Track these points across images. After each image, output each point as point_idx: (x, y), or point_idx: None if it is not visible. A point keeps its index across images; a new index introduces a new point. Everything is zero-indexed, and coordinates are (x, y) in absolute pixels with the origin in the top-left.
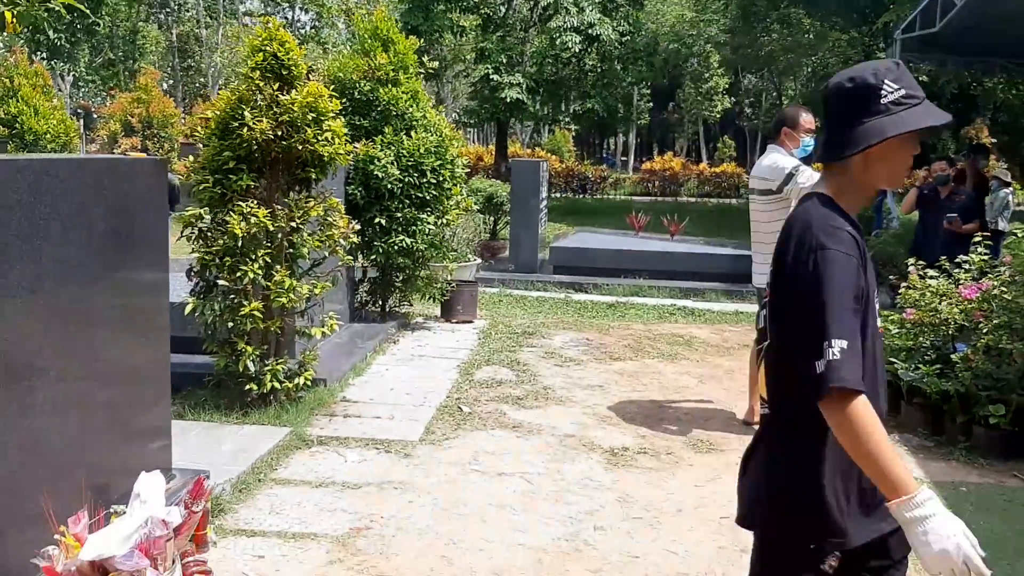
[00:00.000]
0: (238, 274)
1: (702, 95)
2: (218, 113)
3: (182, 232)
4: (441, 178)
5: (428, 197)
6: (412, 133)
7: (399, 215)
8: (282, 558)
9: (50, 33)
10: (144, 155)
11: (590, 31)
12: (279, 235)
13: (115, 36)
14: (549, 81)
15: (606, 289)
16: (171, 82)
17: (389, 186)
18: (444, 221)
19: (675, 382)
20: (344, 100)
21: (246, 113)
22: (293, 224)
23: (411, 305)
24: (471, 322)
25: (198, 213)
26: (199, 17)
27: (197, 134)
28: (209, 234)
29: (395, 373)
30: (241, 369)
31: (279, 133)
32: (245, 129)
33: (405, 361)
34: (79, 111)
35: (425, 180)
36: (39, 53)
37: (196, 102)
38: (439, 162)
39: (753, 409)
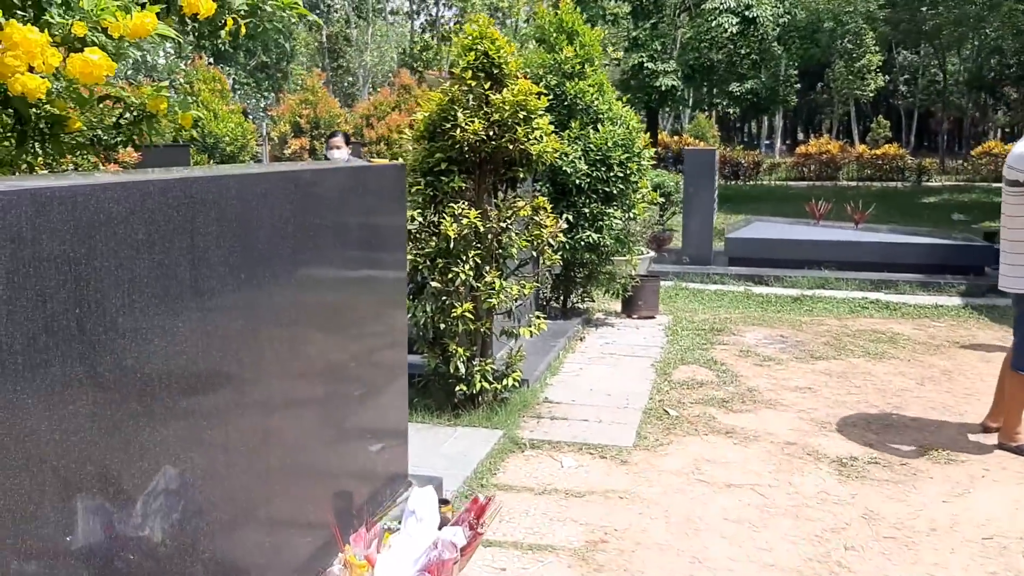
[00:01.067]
0: (450, 275)
1: (853, 74)
2: (429, 115)
3: None
4: (628, 171)
5: (615, 191)
6: (599, 126)
7: (586, 210)
8: (524, 572)
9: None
10: (385, 161)
11: (746, 13)
12: (489, 236)
13: (269, 40)
14: (703, 66)
15: (788, 282)
16: (322, 83)
17: (577, 182)
18: (631, 215)
19: (890, 384)
20: None
21: (459, 114)
22: (503, 224)
23: (592, 301)
24: (653, 318)
25: (409, 216)
26: (348, 17)
27: (401, 136)
28: (420, 236)
29: (590, 373)
30: (451, 370)
31: (490, 133)
32: (458, 130)
33: (596, 360)
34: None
35: (612, 174)
36: (204, 58)
37: (347, 101)
38: (626, 155)
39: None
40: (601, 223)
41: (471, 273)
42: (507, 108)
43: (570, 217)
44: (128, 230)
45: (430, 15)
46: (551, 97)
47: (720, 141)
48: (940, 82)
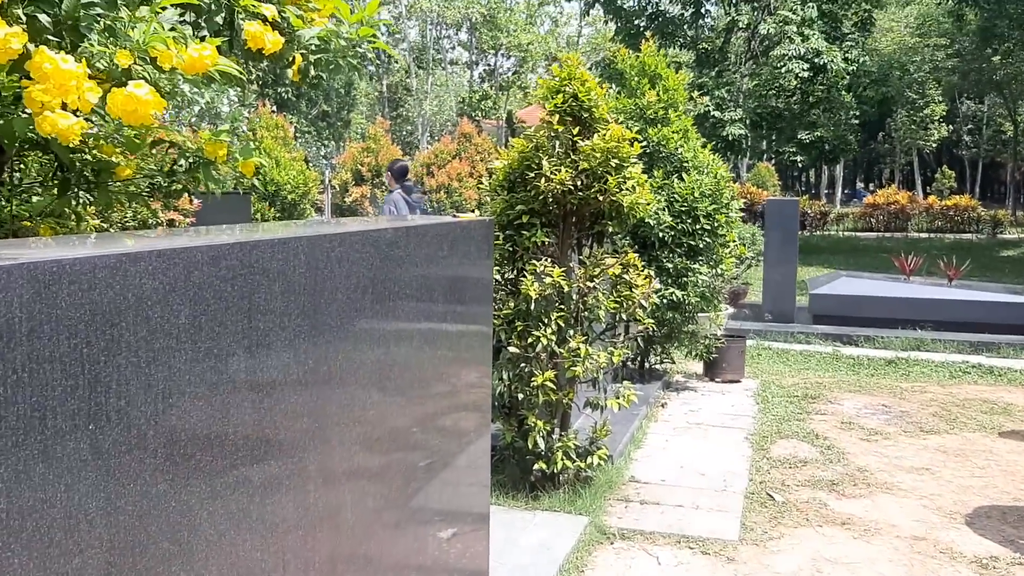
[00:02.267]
0: (529, 340)
1: (916, 123)
2: (510, 163)
3: None
4: (716, 224)
5: (701, 245)
6: (684, 175)
7: (669, 265)
8: None
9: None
10: (472, 216)
11: (816, 60)
12: (574, 296)
13: (331, 89)
14: (770, 114)
15: (880, 342)
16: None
17: (660, 234)
18: (718, 271)
19: (1018, 466)
20: None
21: (543, 162)
22: (589, 284)
23: (672, 362)
24: (739, 382)
25: None
26: (408, 67)
27: (480, 187)
28: (497, 296)
29: (677, 446)
30: (530, 445)
31: (578, 183)
32: (543, 180)
33: (683, 431)
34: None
35: (699, 227)
36: (267, 105)
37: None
38: (714, 206)
39: None
40: (685, 279)
41: (553, 338)
42: (597, 155)
43: (651, 272)
44: (166, 313)
45: (488, 64)
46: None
47: (780, 190)
48: (1006, 132)
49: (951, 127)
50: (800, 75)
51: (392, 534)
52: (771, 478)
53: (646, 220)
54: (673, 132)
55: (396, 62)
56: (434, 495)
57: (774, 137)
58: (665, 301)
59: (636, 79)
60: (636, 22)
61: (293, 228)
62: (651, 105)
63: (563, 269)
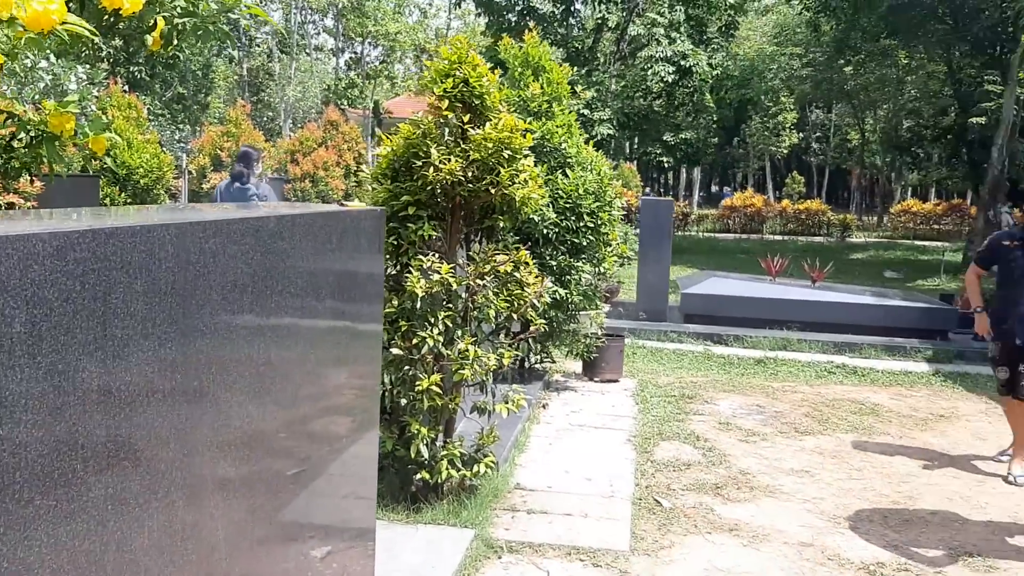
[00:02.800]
0: (415, 341)
1: (769, 130)
2: (394, 150)
3: None
4: (599, 221)
5: (584, 243)
6: (568, 171)
7: (552, 263)
8: None
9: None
10: (360, 205)
11: (682, 62)
12: (463, 294)
13: (187, 71)
14: (637, 115)
15: (749, 342)
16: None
17: (544, 231)
18: (601, 270)
19: (892, 468)
20: None
21: (432, 151)
22: (479, 282)
23: (552, 362)
24: (617, 381)
25: None
26: (271, 51)
27: (359, 174)
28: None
29: (562, 449)
30: (413, 454)
31: (468, 174)
32: (431, 169)
33: (566, 433)
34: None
35: (582, 224)
36: (118, 83)
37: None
38: (597, 204)
39: None
40: (568, 277)
41: (440, 339)
42: (489, 146)
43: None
44: None
45: (355, 53)
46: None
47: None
48: (852, 140)
49: (801, 134)
50: (666, 78)
51: (271, 553)
52: (657, 482)
53: (531, 216)
54: (557, 126)
55: (259, 45)
56: (314, 509)
57: (639, 138)
58: (548, 299)
59: (519, 70)
60: (508, 16)
61: (158, 214)
62: (535, 98)
63: (451, 265)
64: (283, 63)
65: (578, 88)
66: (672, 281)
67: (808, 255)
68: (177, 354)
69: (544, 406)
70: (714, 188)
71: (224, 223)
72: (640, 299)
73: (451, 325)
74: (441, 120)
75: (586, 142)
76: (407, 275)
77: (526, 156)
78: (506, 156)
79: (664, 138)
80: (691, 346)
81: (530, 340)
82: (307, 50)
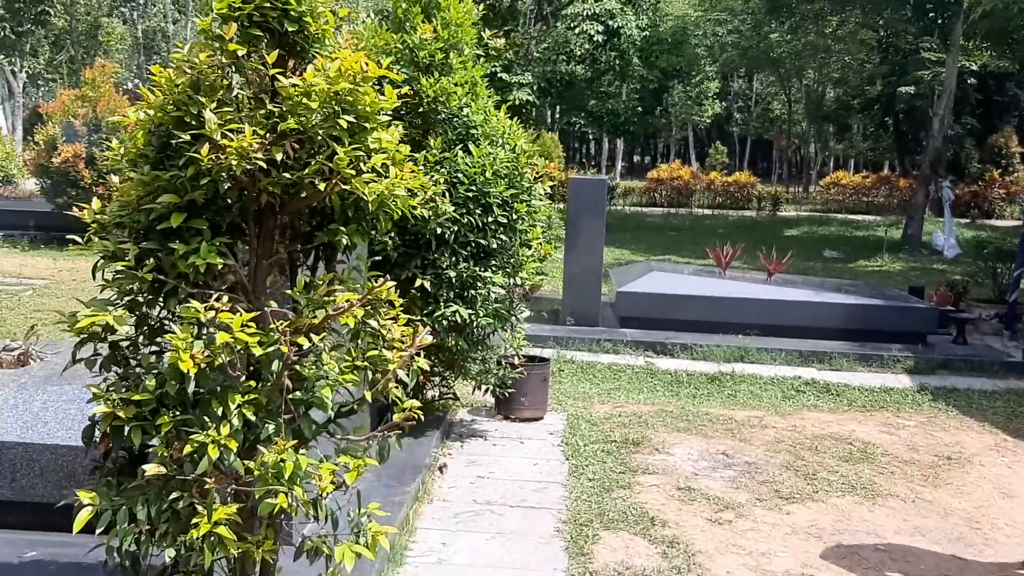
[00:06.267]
0: (188, 449)
1: (692, 99)
2: (153, 114)
3: (74, 356)
4: (515, 215)
5: (495, 245)
6: (472, 146)
7: (450, 273)
8: None
9: None
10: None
11: (610, 22)
12: (275, 364)
13: (75, 31)
14: (562, 81)
15: (700, 352)
16: (136, 81)
17: (438, 230)
18: (517, 280)
19: (920, 562)
20: None
21: (207, 114)
22: (304, 342)
23: (455, 398)
24: (540, 418)
25: (106, 322)
26: (166, 12)
27: (109, 154)
28: (126, 365)
29: (462, 555)
30: None
31: (279, 156)
32: (208, 147)
33: (469, 520)
34: (38, 112)
35: (491, 219)
36: None
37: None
38: (512, 191)
39: None
40: (473, 291)
41: (234, 443)
42: (314, 105)
43: (426, 284)
44: None
45: None
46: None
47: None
48: (774, 111)
49: (724, 104)
50: (594, 37)
51: None
52: None
53: (418, 212)
54: (456, 84)
55: (155, 5)
56: None
57: (561, 108)
58: (445, 322)
59: (404, 5)
60: None
61: None
62: (425, 44)
63: (255, 314)
64: (179, 23)
65: (488, 37)
66: (605, 272)
67: (742, 233)
68: None
69: (441, 469)
70: (635, 159)
71: None
72: (567, 298)
73: (254, 418)
74: (226, 61)
75: (498, 107)
76: (171, 331)
77: (386, 125)
78: (344, 125)
79: (588, 106)
80: (630, 358)
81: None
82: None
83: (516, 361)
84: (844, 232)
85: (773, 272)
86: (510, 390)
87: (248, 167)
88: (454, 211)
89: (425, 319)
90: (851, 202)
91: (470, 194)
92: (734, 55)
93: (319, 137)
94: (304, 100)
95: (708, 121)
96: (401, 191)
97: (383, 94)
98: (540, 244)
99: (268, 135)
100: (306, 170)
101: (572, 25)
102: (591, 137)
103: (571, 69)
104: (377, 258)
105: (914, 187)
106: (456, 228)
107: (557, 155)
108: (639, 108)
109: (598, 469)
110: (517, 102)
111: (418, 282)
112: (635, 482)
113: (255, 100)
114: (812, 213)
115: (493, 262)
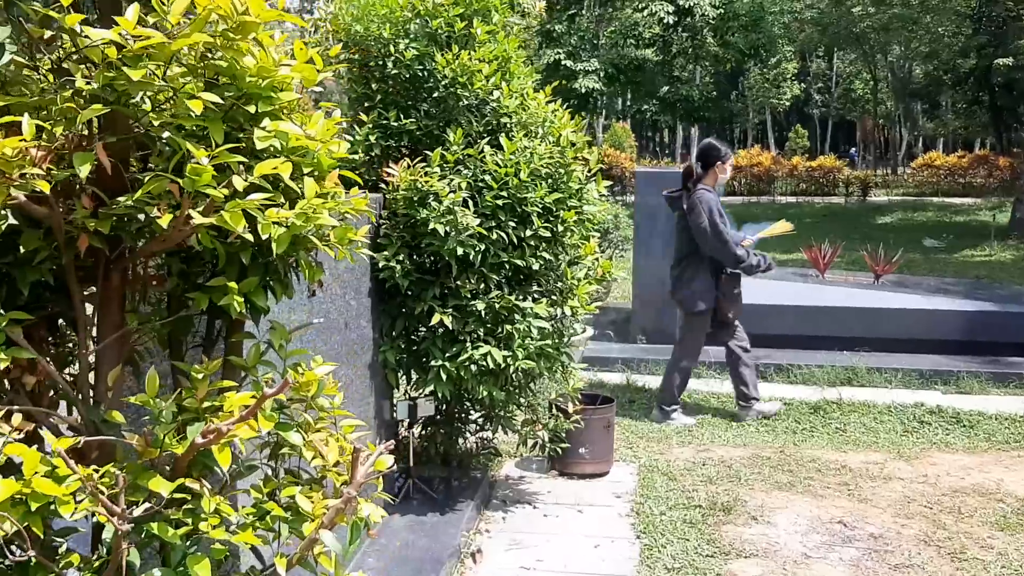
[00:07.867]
0: None
1: (769, 81)
2: None
3: None
4: (560, 226)
5: (536, 266)
6: (503, 140)
7: (479, 304)
8: None
9: None
10: None
11: (681, 1)
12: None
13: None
14: (631, 66)
15: (797, 374)
16: None
17: (459, 249)
18: (567, 310)
19: None
20: (364, 76)
21: None
22: (157, 487)
23: (496, 454)
24: (605, 474)
25: None
26: None
27: None
28: None
29: None
30: None
31: (84, 172)
32: None
33: None
34: None
35: (529, 232)
36: None
37: None
38: (555, 195)
39: None
40: (509, 327)
41: None
42: (137, 76)
43: (447, 319)
44: None
45: None
46: (405, 81)
47: (637, 152)
48: (856, 90)
49: (803, 85)
50: (664, 19)
51: None
52: None
53: (431, 224)
54: (482, 61)
55: None
56: None
57: (631, 93)
58: (473, 367)
59: None
60: None
61: None
62: (441, 11)
63: (77, 440)
64: None
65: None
66: None
67: (831, 222)
68: None
69: (474, 554)
70: (852, 148)
71: None
72: (637, 310)
73: None
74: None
75: (567, 96)
76: None
77: (291, 94)
78: (199, 110)
79: (660, 93)
80: (715, 384)
81: (431, 423)
82: None
83: (571, 407)
84: (943, 218)
85: (881, 273)
86: (563, 445)
87: (35, 192)
88: (480, 225)
89: (445, 363)
90: (946, 184)
91: (501, 201)
92: (814, 33)
93: (165, 136)
94: (125, 68)
95: (787, 104)
96: (326, 219)
97: (294, 57)
98: (597, 261)
99: (76, 133)
100: (137, 192)
101: (640, 6)
102: (664, 125)
103: (641, 53)
104: (385, 287)
105: (1016, 166)
106: (484, 246)
107: (629, 145)
108: (714, 92)
109: (678, 552)
110: (583, 90)
111: (436, 317)
112: (727, 572)
113: (58, 72)
114: (905, 197)
115: (534, 288)
